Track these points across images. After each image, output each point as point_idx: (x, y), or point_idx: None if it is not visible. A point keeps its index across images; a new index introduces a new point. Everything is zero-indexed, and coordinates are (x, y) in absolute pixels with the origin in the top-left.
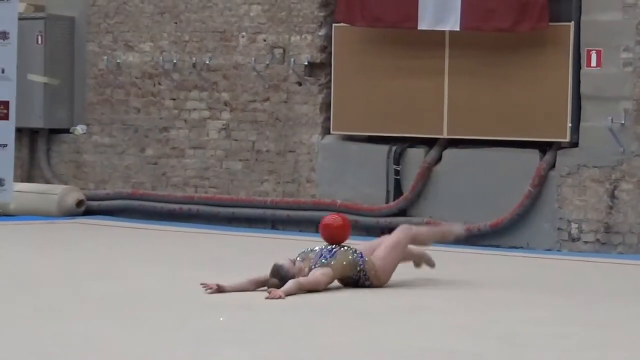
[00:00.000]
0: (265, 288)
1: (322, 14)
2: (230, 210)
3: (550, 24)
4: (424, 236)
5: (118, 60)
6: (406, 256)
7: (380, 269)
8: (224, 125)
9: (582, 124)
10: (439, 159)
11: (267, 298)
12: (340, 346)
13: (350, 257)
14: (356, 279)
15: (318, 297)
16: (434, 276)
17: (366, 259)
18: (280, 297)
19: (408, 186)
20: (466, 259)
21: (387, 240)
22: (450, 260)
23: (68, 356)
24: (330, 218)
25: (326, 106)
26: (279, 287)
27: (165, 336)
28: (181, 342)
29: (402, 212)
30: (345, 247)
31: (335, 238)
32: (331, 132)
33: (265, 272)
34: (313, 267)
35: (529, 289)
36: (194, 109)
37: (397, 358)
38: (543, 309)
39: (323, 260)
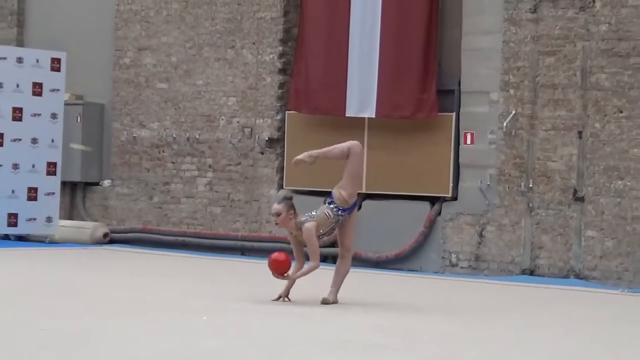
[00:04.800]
0: None
1: (278, 104)
2: (212, 241)
3: (439, 114)
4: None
5: (134, 135)
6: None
7: (346, 195)
8: (208, 181)
9: (460, 184)
10: (360, 206)
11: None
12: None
13: (328, 210)
14: (336, 220)
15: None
16: (352, 289)
17: (335, 198)
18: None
19: None
20: (376, 279)
21: (347, 168)
22: (363, 280)
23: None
24: (276, 255)
25: (281, 169)
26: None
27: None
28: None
29: (333, 245)
30: (325, 204)
31: (279, 269)
32: (284, 187)
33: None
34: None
35: (424, 302)
36: (188, 170)
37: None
38: (433, 314)
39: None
